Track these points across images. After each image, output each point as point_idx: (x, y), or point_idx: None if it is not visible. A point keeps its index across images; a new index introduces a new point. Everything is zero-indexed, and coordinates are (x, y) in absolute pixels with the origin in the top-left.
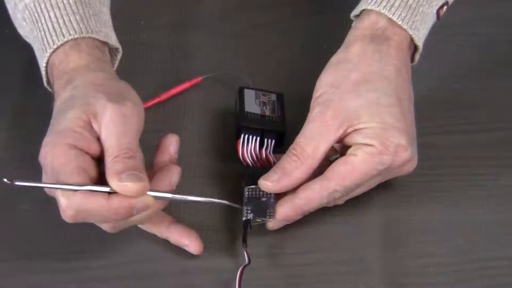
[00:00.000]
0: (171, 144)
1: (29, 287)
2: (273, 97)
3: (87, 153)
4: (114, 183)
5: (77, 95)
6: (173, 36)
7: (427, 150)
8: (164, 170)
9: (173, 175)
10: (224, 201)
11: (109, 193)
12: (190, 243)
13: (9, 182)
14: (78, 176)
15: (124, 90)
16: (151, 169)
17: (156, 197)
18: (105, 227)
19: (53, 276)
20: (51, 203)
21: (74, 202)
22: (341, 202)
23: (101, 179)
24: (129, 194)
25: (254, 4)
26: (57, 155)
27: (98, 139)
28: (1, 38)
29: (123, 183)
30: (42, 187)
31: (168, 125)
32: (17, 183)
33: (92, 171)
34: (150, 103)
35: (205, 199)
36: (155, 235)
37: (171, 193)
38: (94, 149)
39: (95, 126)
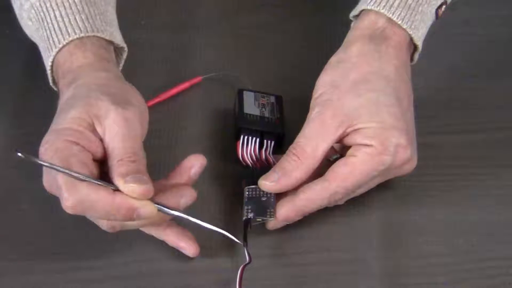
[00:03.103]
0: (193, 167)
1: (29, 287)
2: (272, 99)
3: (88, 151)
4: (121, 184)
5: (80, 94)
6: (173, 36)
7: (427, 150)
8: (177, 190)
9: (183, 197)
10: (227, 234)
11: (114, 190)
12: (186, 246)
13: (23, 156)
14: (82, 168)
15: (128, 92)
16: (164, 179)
17: (159, 210)
18: (104, 225)
19: (53, 276)
20: (51, 203)
21: (78, 191)
22: (341, 202)
23: (101, 179)
24: (134, 195)
25: (254, 4)
26: (59, 150)
27: (100, 141)
28: (1, 38)
29: (129, 184)
30: (44, 181)
31: (168, 125)
32: (35, 160)
33: (94, 169)
34: (150, 103)
35: (209, 226)
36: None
37: (177, 211)
38: (95, 149)
39: (98, 128)
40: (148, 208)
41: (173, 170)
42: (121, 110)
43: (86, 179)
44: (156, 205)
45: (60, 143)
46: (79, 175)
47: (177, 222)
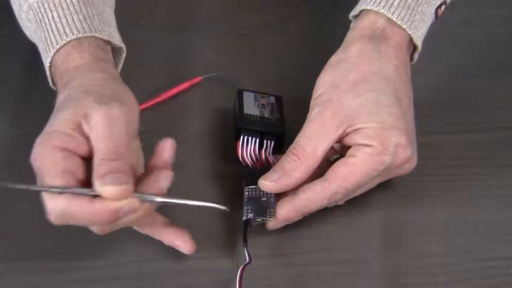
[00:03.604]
0: (165, 150)
1: (29, 287)
2: (272, 99)
3: (77, 154)
4: (98, 186)
5: (71, 96)
6: (173, 36)
7: (427, 150)
8: (154, 174)
9: (162, 180)
10: (211, 204)
11: (95, 196)
12: (182, 243)
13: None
14: (63, 179)
15: (118, 91)
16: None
17: (142, 200)
18: (94, 229)
19: (53, 276)
20: None
21: (58, 205)
22: (341, 202)
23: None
24: (112, 197)
25: (254, 4)
26: (43, 157)
27: (88, 140)
28: (1, 38)
29: (104, 186)
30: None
31: (168, 125)
32: (7, 185)
33: (81, 173)
34: (150, 103)
35: (193, 202)
36: None
37: (159, 196)
38: (85, 150)
39: (85, 127)
40: (129, 204)
41: (149, 161)
42: (104, 108)
43: (64, 191)
44: (140, 196)
45: (45, 149)
46: (57, 190)
47: (173, 220)
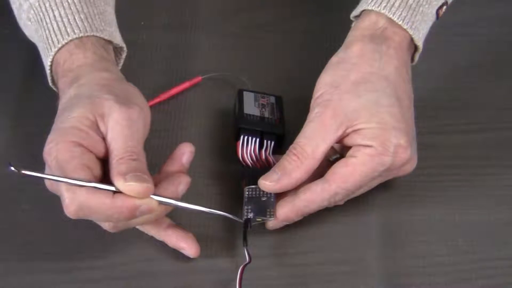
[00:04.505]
0: (184, 154)
1: (29, 287)
2: (272, 99)
3: (91, 152)
4: (120, 183)
5: (83, 93)
6: (173, 36)
7: (427, 150)
8: (172, 178)
9: (180, 184)
10: (227, 214)
11: (114, 192)
12: (187, 246)
13: (16, 170)
14: (83, 172)
15: (131, 92)
16: (158, 174)
17: (160, 202)
18: (106, 226)
19: (53, 276)
20: (51, 203)
21: (78, 197)
22: (341, 202)
23: (104, 179)
24: (134, 194)
25: (254, 4)
26: (62, 151)
27: (103, 139)
28: (1, 38)
29: (128, 183)
30: (46, 180)
31: (168, 125)
32: (24, 172)
33: (96, 170)
34: (150, 103)
35: (209, 210)
36: None
37: (176, 200)
38: (99, 149)
39: (101, 126)
40: (149, 204)
41: (165, 162)
42: (125, 109)
43: (86, 185)
44: (157, 198)
45: (63, 144)
46: (79, 182)
47: (172, 219)
